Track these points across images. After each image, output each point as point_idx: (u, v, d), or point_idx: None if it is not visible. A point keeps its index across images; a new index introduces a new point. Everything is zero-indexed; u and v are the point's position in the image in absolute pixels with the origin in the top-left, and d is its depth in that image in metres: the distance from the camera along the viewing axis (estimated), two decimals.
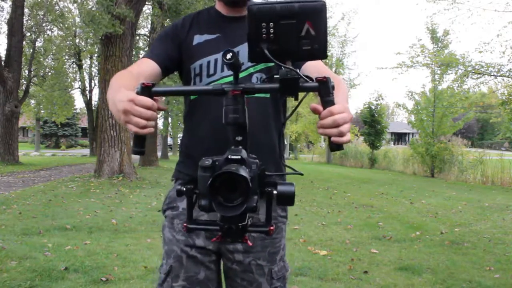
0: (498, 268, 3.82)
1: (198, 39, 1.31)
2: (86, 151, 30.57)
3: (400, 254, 4.20)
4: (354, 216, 6.36)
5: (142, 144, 0.92)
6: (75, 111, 35.03)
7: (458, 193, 9.86)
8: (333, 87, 0.86)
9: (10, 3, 16.17)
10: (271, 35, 0.82)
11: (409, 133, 52.04)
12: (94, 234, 4.66)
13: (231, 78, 0.90)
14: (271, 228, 0.86)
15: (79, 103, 37.03)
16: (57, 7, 17.49)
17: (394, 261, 3.96)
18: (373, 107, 21.04)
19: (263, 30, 0.82)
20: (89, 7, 11.11)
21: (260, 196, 0.82)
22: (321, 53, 0.84)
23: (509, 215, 6.72)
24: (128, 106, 0.86)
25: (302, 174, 1.03)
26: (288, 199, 0.85)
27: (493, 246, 4.64)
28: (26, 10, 16.93)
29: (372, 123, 20.71)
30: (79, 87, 25.54)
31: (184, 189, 0.85)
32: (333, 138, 0.87)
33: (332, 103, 0.86)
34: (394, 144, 41.50)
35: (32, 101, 24.03)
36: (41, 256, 3.68)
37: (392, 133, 50.75)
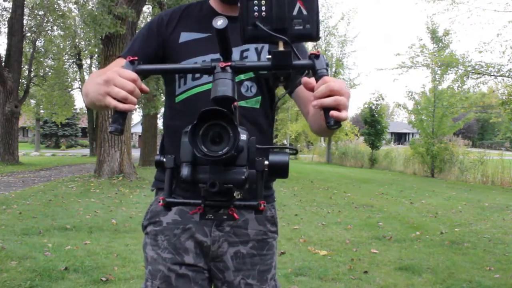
0: (498, 268, 3.82)
1: (185, 36, 1.20)
2: (86, 151, 30.57)
3: (400, 254, 4.20)
4: (354, 216, 6.36)
5: (121, 121, 0.81)
6: (75, 111, 35.02)
7: (458, 193, 9.86)
8: (327, 64, 0.82)
9: (10, 3, 16.16)
10: (263, 13, 0.79)
11: (409, 133, 52.05)
12: (94, 234, 4.66)
13: None
14: (261, 202, 0.79)
15: (79, 103, 37.08)
16: (57, 7, 17.49)
17: (394, 261, 3.96)
18: (373, 107, 21.05)
19: (255, 8, 0.79)
20: (90, 7, 11.11)
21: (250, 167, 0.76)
22: (313, 34, 0.79)
23: (509, 215, 6.72)
24: (111, 75, 0.82)
25: (296, 151, 0.96)
26: (281, 170, 0.78)
27: (493, 246, 4.64)
28: (26, 10, 16.93)
29: (372, 123, 20.72)
30: (79, 87, 25.53)
31: (164, 159, 0.80)
32: (333, 112, 0.78)
33: (325, 75, 0.81)
34: (394, 144, 41.48)
35: (32, 101, 24.03)
36: (41, 256, 3.68)
37: (392, 133, 50.76)
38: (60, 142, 40.20)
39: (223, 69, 0.79)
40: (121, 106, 0.80)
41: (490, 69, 12.23)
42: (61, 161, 18.92)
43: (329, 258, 3.98)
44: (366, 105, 21.71)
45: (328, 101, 0.79)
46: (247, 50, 1.19)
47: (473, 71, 12.46)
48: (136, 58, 0.85)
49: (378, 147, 20.72)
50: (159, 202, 0.80)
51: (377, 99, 21.15)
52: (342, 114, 0.79)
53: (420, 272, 3.65)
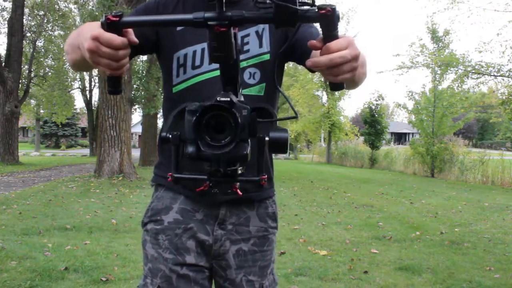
0: (498, 268, 3.82)
1: None
2: (86, 151, 30.57)
3: (400, 254, 4.20)
4: (354, 216, 6.36)
5: (117, 83, 0.78)
6: (75, 111, 35.03)
7: (458, 193, 9.86)
8: (338, 18, 0.69)
9: (10, 3, 16.16)
10: None
11: (409, 133, 52.06)
12: (94, 234, 4.66)
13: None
14: (263, 177, 0.80)
15: (79, 103, 37.09)
16: (57, 7, 17.49)
17: (394, 261, 3.96)
18: (373, 107, 21.06)
19: None
20: (90, 7, 11.12)
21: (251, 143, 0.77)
22: None
23: (509, 215, 6.72)
24: (92, 45, 0.71)
25: (296, 117, 0.96)
26: (281, 146, 0.79)
27: (493, 246, 4.64)
28: (26, 10, 16.93)
29: (372, 123, 20.73)
30: (79, 87, 25.56)
31: (170, 136, 0.80)
32: (329, 77, 0.72)
33: (335, 38, 0.70)
34: (394, 144, 41.50)
35: (32, 101, 24.04)
36: (41, 256, 3.68)
37: (392, 133, 50.76)
38: (60, 142, 40.20)
39: (217, 32, 0.69)
40: (117, 73, 0.75)
41: (490, 69, 12.24)
42: (61, 161, 18.92)
43: (329, 258, 3.98)
44: (366, 105, 21.72)
45: (323, 60, 0.69)
46: (248, 35, 1.15)
47: (473, 71, 12.47)
48: (117, 18, 0.71)
49: (378, 147, 20.72)
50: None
51: (377, 99, 21.17)
52: (338, 79, 0.70)
53: (420, 272, 3.65)
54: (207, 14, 0.69)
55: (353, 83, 0.89)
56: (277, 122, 0.92)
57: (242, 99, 0.81)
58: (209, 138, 0.70)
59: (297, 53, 1.13)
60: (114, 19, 0.71)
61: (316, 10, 0.68)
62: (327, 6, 0.67)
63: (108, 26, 0.71)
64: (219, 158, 0.74)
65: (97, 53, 0.71)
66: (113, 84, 0.78)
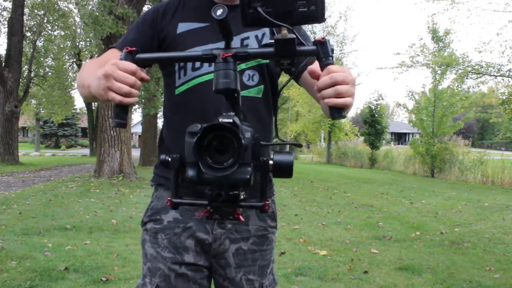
0: (498, 268, 3.82)
1: (183, 27, 1.16)
2: (86, 151, 30.57)
3: (400, 254, 4.20)
4: (354, 216, 6.36)
5: (123, 115, 0.81)
6: (75, 111, 35.03)
7: (458, 193, 9.85)
8: (332, 50, 0.79)
9: (10, 3, 16.16)
10: None
11: (409, 133, 52.05)
12: (94, 234, 4.66)
13: None
14: (266, 203, 0.78)
15: (79, 103, 37.01)
16: (57, 7, 17.49)
17: (394, 261, 3.96)
18: (373, 107, 21.04)
19: None
20: (90, 7, 11.12)
21: (255, 168, 0.75)
22: (318, 15, 0.76)
23: (509, 215, 6.72)
24: (110, 69, 0.80)
25: (301, 146, 0.97)
26: (285, 170, 0.77)
27: (493, 246, 4.64)
28: (26, 10, 16.93)
29: (372, 123, 20.71)
30: None
31: (170, 158, 0.78)
32: (329, 100, 0.79)
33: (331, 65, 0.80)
34: (394, 144, 41.49)
35: (33, 101, 24.04)
36: (41, 256, 3.68)
37: (392, 133, 50.76)
38: (60, 142, 40.21)
39: (225, 59, 0.77)
40: (126, 100, 0.80)
41: (490, 69, 12.24)
42: (61, 161, 18.93)
43: (329, 258, 3.98)
44: (366, 105, 21.71)
45: (329, 92, 0.78)
46: (247, 38, 1.16)
47: (473, 71, 12.47)
48: (134, 48, 0.82)
49: (378, 147, 20.71)
50: (167, 203, 0.79)
51: (377, 99, 21.16)
52: (342, 101, 0.78)
53: (420, 272, 3.65)
54: (216, 51, 0.78)
55: (348, 109, 0.91)
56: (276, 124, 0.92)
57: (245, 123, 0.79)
58: (210, 159, 0.68)
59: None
60: (131, 49, 0.82)
61: (313, 41, 0.79)
62: (321, 37, 0.78)
63: (126, 56, 0.81)
64: (221, 182, 0.72)
65: (113, 75, 0.79)
66: (120, 115, 0.81)
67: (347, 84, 0.79)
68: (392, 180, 13.27)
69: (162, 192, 1.22)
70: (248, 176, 0.71)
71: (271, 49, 0.78)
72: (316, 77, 0.81)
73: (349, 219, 6.04)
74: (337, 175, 14.87)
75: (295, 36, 0.76)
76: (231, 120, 0.71)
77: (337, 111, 0.80)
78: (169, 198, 0.79)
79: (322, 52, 0.79)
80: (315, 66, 0.83)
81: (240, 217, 0.77)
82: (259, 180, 0.78)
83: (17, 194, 7.57)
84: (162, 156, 0.78)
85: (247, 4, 0.75)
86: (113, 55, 1.11)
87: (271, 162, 0.76)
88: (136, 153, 16.95)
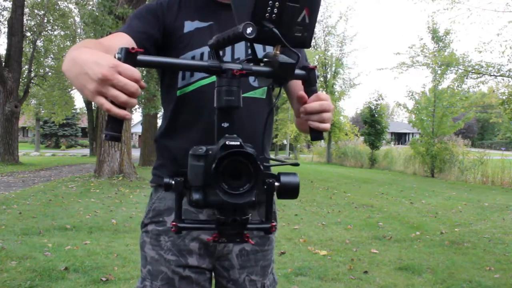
0: (498, 268, 3.82)
1: (189, 26, 1.13)
2: (86, 151, 30.58)
3: (400, 254, 4.20)
4: (354, 216, 6.36)
5: (118, 127, 0.71)
6: (75, 111, 35.02)
7: (458, 193, 9.85)
8: (318, 77, 0.91)
9: (10, 3, 16.16)
10: (274, 15, 0.76)
11: (409, 133, 52.06)
12: (94, 234, 4.66)
13: None
14: (273, 224, 0.77)
15: (79, 103, 37.01)
16: (57, 7, 17.49)
17: (394, 261, 3.96)
18: (373, 107, 21.03)
19: (268, 9, 0.75)
20: (90, 7, 11.12)
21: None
22: (307, 42, 0.82)
23: (509, 215, 6.72)
24: (109, 72, 0.67)
25: (298, 165, 0.95)
26: (292, 192, 0.76)
27: (493, 246, 4.64)
28: (26, 10, 16.93)
29: (372, 123, 20.71)
30: None
31: (173, 182, 0.74)
32: (314, 124, 0.90)
33: (315, 91, 0.91)
34: (394, 143, 41.47)
35: (33, 101, 24.04)
36: (41, 256, 3.68)
37: (392, 133, 50.76)
38: (60, 142, 40.21)
39: (233, 75, 0.76)
40: (118, 112, 0.68)
41: (490, 69, 12.24)
42: (61, 161, 18.93)
43: (329, 258, 3.98)
44: (366, 105, 21.69)
45: (315, 117, 0.90)
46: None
47: (473, 71, 12.47)
48: (141, 50, 0.74)
49: (378, 147, 20.70)
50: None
51: (377, 99, 21.15)
52: (325, 125, 0.91)
53: (420, 272, 3.65)
54: (225, 67, 0.78)
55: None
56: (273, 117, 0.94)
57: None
58: (226, 185, 0.66)
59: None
60: (134, 50, 0.72)
61: (306, 68, 0.89)
62: (313, 65, 0.90)
63: (127, 56, 0.71)
64: (236, 207, 0.69)
65: (112, 81, 0.67)
66: (114, 127, 0.70)
67: (330, 112, 0.91)
68: (392, 180, 13.26)
69: (164, 193, 1.20)
70: (253, 199, 0.69)
71: (272, 69, 0.82)
72: (304, 102, 0.91)
73: (349, 219, 6.04)
74: (337, 175, 14.87)
75: (295, 62, 0.82)
76: (238, 143, 0.70)
77: (319, 134, 0.92)
78: (173, 223, 0.76)
79: (311, 78, 0.90)
80: (302, 88, 0.93)
81: (250, 240, 0.76)
82: (264, 202, 0.76)
83: (17, 194, 7.57)
84: (166, 180, 0.74)
85: (255, 18, 0.75)
86: (117, 38, 1.03)
87: (277, 184, 0.75)
88: (136, 153, 16.95)
